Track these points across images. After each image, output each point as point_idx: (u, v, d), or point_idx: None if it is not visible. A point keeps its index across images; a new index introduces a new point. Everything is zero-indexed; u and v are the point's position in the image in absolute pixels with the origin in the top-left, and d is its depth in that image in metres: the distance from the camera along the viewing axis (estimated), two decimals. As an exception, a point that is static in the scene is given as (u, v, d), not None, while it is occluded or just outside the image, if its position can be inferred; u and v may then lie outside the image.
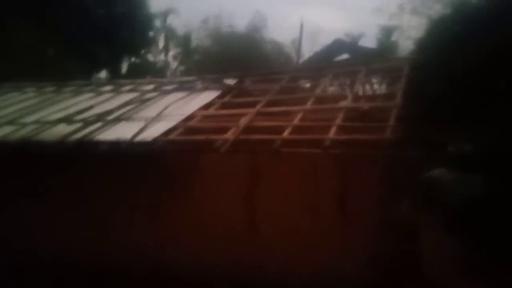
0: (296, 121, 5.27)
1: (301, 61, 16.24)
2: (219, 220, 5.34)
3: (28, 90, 8.14)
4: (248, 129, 5.20)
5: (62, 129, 5.83)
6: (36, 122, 6.24)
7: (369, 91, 6.68)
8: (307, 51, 22.65)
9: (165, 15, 25.30)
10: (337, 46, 11.90)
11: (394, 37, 22.31)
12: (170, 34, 26.32)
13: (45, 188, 6.02)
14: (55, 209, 6.00)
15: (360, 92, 6.59)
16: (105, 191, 5.76)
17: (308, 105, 5.73)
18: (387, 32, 22.23)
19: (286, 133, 4.94)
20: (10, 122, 6.31)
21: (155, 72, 22.38)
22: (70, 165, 5.76)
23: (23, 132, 5.93)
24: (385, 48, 19.77)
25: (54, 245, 5.90)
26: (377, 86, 7.10)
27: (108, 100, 7.07)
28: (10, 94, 8.01)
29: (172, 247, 5.52)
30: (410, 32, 18.62)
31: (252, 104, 5.95)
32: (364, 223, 4.82)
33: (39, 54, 12.22)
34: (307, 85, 7.27)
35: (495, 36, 8.38)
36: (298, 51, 16.35)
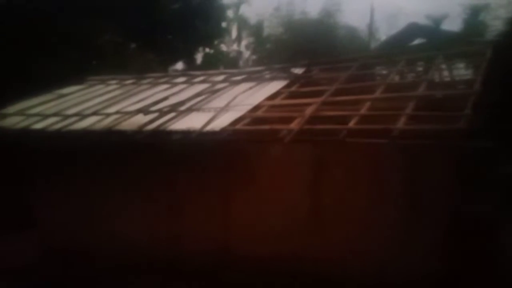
0: (363, 110, 5.14)
1: (375, 46, 15.54)
2: (284, 209, 5.40)
3: (111, 83, 8.79)
4: (313, 119, 5.18)
5: (140, 119, 6.25)
6: (117, 112, 6.75)
7: (446, 78, 6.27)
8: (384, 35, 21.69)
9: (237, 5, 25.69)
10: (412, 30, 11.14)
11: (481, 18, 20.50)
12: (242, 24, 26.69)
13: (123, 174, 6.48)
14: (134, 194, 6.46)
15: (436, 79, 6.23)
16: (177, 179, 6.10)
17: (378, 93, 5.55)
18: (474, 12, 20.46)
19: (352, 123, 4.84)
20: (95, 113, 6.88)
21: (228, 62, 22.89)
22: (146, 153, 6.14)
23: (106, 122, 6.44)
24: (471, 30, 18.25)
25: (131, 231, 6.36)
26: (456, 72, 6.62)
27: (181, 91, 7.42)
28: (95, 87, 8.71)
29: (238, 234, 5.70)
30: (499, 11, 17.00)
31: (319, 94, 5.90)
32: (432, 216, 4.60)
33: (121, 49, 13.11)
34: (379, 72, 7.02)
35: None
36: (371, 35, 15.65)
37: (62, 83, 8.66)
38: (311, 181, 5.31)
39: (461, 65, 6.60)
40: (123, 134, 5.95)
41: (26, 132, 6.65)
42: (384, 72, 6.65)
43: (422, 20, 15.34)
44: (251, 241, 5.57)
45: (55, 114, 7.08)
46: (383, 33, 22.51)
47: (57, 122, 6.76)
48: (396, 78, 6.36)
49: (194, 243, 5.77)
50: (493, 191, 5.46)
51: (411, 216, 4.74)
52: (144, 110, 6.60)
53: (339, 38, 23.72)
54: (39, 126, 6.73)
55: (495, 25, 17.78)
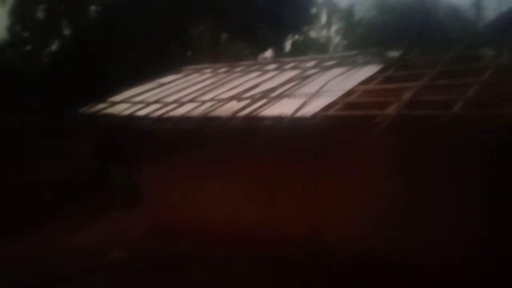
0: (470, 94, 4.70)
1: (481, 25, 14.07)
2: (380, 200, 5.19)
3: (205, 72, 9.16)
4: (412, 104, 4.87)
5: (233, 106, 6.43)
6: (212, 99, 7.02)
7: None
8: (492, 13, 19.63)
9: (327, -10, 25.00)
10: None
11: None
12: (332, 9, 25.99)
13: (219, 158, 6.75)
14: (229, 178, 6.70)
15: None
16: (268, 164, 6.19)
17: (487, 75, 5.03)
18: None
19: (457, 108, 4.46)
20: (191, 100, 7.23)
21: (318, 48, 22.51)
22: (240, 139, 6.31)
23: (202, 109, 6.73)
24: None
25: (224, 214, 6.62)
26: None
27: (272, 78, 7.47)
28: (191, 75, 9.15)
29: (331, 226, 5.62)
30: None
31: (418, 77, 5.52)
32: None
33: (214, 39, 13.62)
34: (487, 54, 6.36)
35: None
36: (478, 12, 14.13)
37: (162, 73, 9.24)
38: (407, 170, 5.02)
39: None
40: (218, 120, 6.18)
41: (131, 118, 7.23)
42: (493, 53, 6.00)
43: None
44: (342, 233, 5.47)
45: (156, 102, 7.59)
46: (491, 12, 20.38)
47: (158, 109, 7.24)
48: (507, 60, 5.71)
49: (285, 229, 5.83)
50: None
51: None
52: (237, 97, 6.78)
53: (440, 19, 22.04)
54: (142, 112, 7.27)
55: None
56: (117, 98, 8.20)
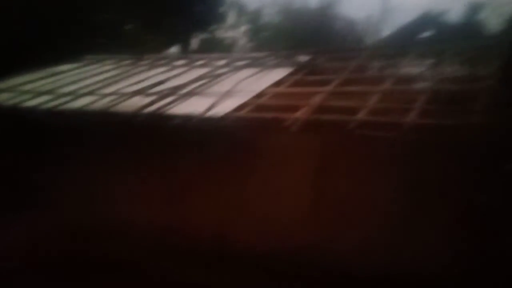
0: (373, 102, 4.96)
1: (379, 37, 15.36)
2: (287, 202, 5.23)
3: (107, 63, 8.50)
4: (320, 109, 4.99)
5: (138, 101, 6.00)
6: (113, 93, 6.49)
7: (457, 72, 6.10)
8: (384, 28, 21.52)
9: (234, -10, 25.21)
10: (422, 22, 10.90)
11: (484, 14, 20.42)
12: (240, 10, 26.29)
13: (119, 158, 6.26)
14: (126, 179, 6.24)
15: (447, 73, 6.06)
16: (174, 164, 5.88)
17: (388, 85, 5.36)
18: (477, 7, 20.36)
19: (361, 115, 4.66)
20: (90, 93, 6.61)
21: (225, 48, 22.57)
22: (144, 136, 5.91)
23: (102, 103, 6.18)
24: (474, 26, 18.14)
25: (128, 214, 6.16)
26: (466, 67, 6.45)
27: (181, 74, 7.17)
28: (92, 66, 8.41)
29: (235, 224, 5.52)
30: (503, 8, 16.91)
31: (326, 83, 5.70)
32: (441, 214, 4.47)
33: (119, 28, 12.74)
34: (388, 63, 6.82)
35: None
36: (377, 27, 15.47)
37: (56, 60, 8.34)
38: (315, 172, 5.13)
39: (473, 59, 6.40)
40: (120, 115, 5.72)
41: (17, 109, 6.38)
42: (394, 63, 6.45)
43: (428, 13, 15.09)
44: (250, 233, 5.40)
45: (48, 92, 6.80)
46: (383, 27, 22.39)
47: (49, 101, 6.49)
48: (406, 70, 6.17)
49: (191, 231, 5.58)
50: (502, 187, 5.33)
51: (418, 210, 4.60)
52: (143, 92, 6.36)
53: (339, 29, 23.55)
54: (30, 103, 6.46)
55: (495, 23, 17.75)
56: (0, 85, 7.22)
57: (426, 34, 10.52)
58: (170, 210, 5.92)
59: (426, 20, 11.06)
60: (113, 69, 8.05)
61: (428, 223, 4.59)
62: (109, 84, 7.05)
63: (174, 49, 19.73)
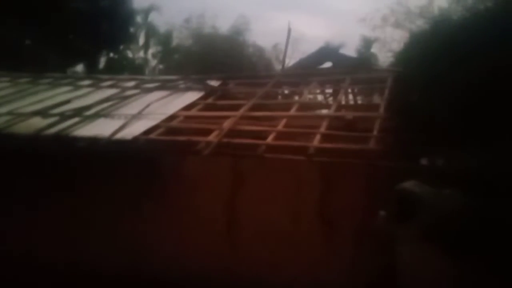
0: (280, 126, 5.23)
1: (285, 66, 16.32)
2: (200, 224, 5.22)
3: (2, 81, 7.80)
4: (231, 133, 5.12)
5: (38, 122, 5.60)
6: (9, 113, 5.97)
7: (352, 101, 6.72)
8: (288, 58, 22.84)
9: (147, 11, 25.01)
10: (323, 54, 11.95)
11: (374, 49, 22.80)
12: (151, 31, 25.99)
13: (16, 184, 5.75)
14: (26, 207, 5.73)
15: (344, 101, 6.64)
16: (80, 190, 5.55)
17: (293, 111, 5.71)
18: (369, 42, 22.70)
19: (270, 139, 4.89)
20: (-20, 113, 6.01)
21: (134, 69, 22.05)
22: (45, 160, 5.51)
23: (-5, 123, 5.65)
24: (365, 59, 20.15)
25: (24, 245, 5.65)
26: (360, 96, 7.15)
27: (87, 95, 6.86)
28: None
29: (153, 250, 5.36)
30: (391, 45, 19.06)
31: (236, 107, 5.88)
32: (345, 233, 4.82)
33: (14, 43, 11.77)
34: (292, 91, 7.26)
35: (473, 52, 8.60)
36: (284, 55, 16.43)
37: None
38: (228, 195, 5.22)
39: (364, 89, 7.11)
40: (16, 137, 5.27)
41: None
42: (298, 91, 6.89)
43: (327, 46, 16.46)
44: (162, 260, 5.26)
45: None
46: (287, 55, 23.76)
47: None
48: (309, 98, 6.64)
49: (98, 261, 5.27)
50: (390, 207, 5.91)
51: (326, 232, 4.90)
52: (43, 113, 5.95)
53: (248, 56, 24.41)
54: None
55: (386, 56, 19.93)
56: None
57: (326, 64, 11.54)
58: (74, 242, 5.55)
59: (324, 53, 12.15)
60: (9, 87, 7.41)
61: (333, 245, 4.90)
62: (4, 103, 6.47)
63: (79, 68, 18.78)
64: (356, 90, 6.98)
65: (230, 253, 5.12)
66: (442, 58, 9.24)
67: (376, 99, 6.38)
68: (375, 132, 4.76)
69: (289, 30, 13.09)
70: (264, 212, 5.09)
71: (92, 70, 17.15)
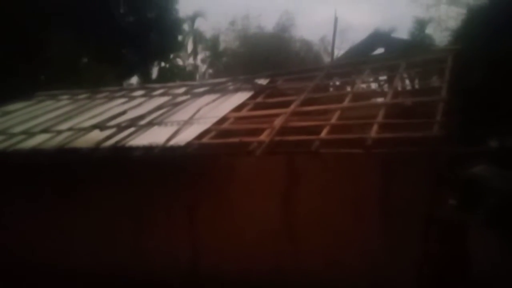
0: (334, 120, 5.01)
1: (334, 57, 15.89)
2: (257, 224, 5.14)
3: (62, 98, 8.23)
4: (283, 130, 4.99)
5: (96, 135, 5.81)
6: (70, 129, 6.25)
7: (409, 86, 6.32)
8: (337, 48, 22.26)
9: (193, 18, 25.56)
10: (374, 40, 11.38)
11: (429, 29, 21.56)
12: (198, 38, 26.54)
13: (80, 194, 6.02)
14: (91, 214, 5.99)
15: (400, 87, 6.25)
16: (139, 197, 5.70)
17: (346, 102, 5.45)
18: (423, 23, 21.49)
19: (324, 133, 4.69)
20: (45, 130, 6.34)
21: (185, 76, 22.58)
22: (105, 170, 5.71)
23: (58, 139, 5.93)
24: (420, 41, 19.09)
25: (88, 251, 5.89)
26: (418, 80, 6.70)
27: (140, 105, 7.03)
28: (45, 102, 8.12)
29: (209, 253, 5.37)
30: (447, 23, 17.92)
31: (286, 104, 5.72)
32: (411, 226, 4.51)
33: (72, 62, 12.44)
34: (344, 81, 6.98)
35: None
36: (333, 46, 16.00)
37: (7, 99, 8.01)
38: (284, 194, 5.09)
39: (424, 72, 6.66)
40: (77, 151, 5.49)
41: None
42: (350, 81, 6.60)
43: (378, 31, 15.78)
44: (221, 259, 5.25)
45: (-1, 133, 6.48)
46: (335, 47, 23.19)
47: (1, 141, 6.18)
48: (363, 87, 6.33)
49: (159, 263, 5.37)
50: (459, 194, 5.47)
51: (388, 225, 4.63)
52: (100, 126, 6.16)
53: (296, 51, 24.15)
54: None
55: (443, 36, 18.76)
56: None
57: (378, 51, 11.00)
58: (137, 245, 5.71)
59: (376, 39, 11.57)
60: (68, 104, 7.79)
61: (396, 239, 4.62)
62: (64, 120, 6.80)
63: (133, 80, 19.55)
64: (412, 74, 6.55)
65: (289, 252, 4.99)
66: (505, 32, 8.50)
67: (435, 81, 5.95)
68: (437, 117, 4.40)
69: (336, 20, 12.69)
70: (322, 209, 4.90)
71: (145, 80, 17.79)
